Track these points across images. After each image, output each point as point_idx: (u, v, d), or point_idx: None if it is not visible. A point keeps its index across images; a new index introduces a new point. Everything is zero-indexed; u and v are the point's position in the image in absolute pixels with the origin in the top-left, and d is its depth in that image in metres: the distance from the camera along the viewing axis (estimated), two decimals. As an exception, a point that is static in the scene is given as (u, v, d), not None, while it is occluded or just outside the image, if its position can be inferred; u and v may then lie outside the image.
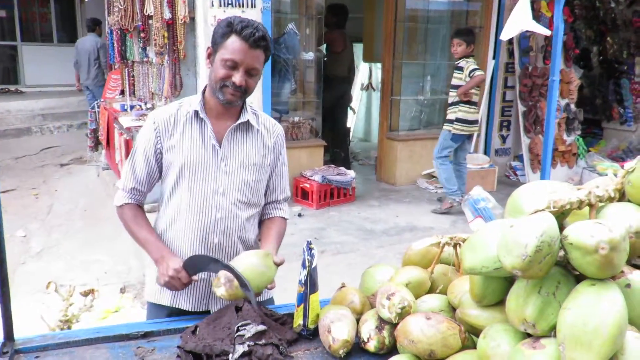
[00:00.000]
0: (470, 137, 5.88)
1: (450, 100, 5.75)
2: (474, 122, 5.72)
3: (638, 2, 7.71)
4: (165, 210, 1.89)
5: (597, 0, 8.02)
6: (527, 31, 5.15)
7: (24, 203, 6.02)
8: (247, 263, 1.65)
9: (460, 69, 5.58)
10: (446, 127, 5.74)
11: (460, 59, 5.61)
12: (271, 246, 1.85)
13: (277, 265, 1.72)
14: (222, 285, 1.60)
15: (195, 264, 1.71)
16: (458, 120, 5.62)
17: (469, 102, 5.59)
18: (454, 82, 5.67)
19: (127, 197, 1.87)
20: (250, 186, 1.88)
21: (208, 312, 1.88)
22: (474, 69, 5.49)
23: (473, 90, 5.57)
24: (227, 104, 1.80)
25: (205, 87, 1.87)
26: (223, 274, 1.61)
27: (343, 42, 7.32)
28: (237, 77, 1.73)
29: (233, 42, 1.72)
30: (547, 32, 5.27)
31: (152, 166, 1.85)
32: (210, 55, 1.80)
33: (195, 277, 1.72)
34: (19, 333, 1.51)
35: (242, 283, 1.57)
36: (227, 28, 1.73)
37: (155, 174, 1.87)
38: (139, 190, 1.87)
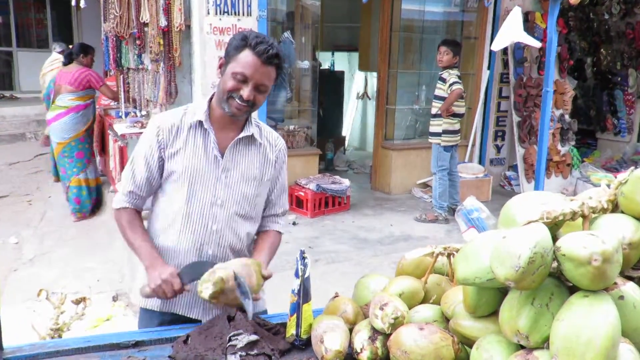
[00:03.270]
0: (456, 146, 5.96)
1: (433, 111, 5.84)
2: (458, 131, 5.86)
3: (631, 15, 7.79)
4: (160, 216, 1.88)
5: (591, 12, 8.09)
6: (520, 42, 5.20)
7: (16, 209, 5.99)
8: (240, 264, 1.64)
9: (444, 80, 5.66)
10: (435, 140, 5.83)
11: (445, 68, 5.66)
12: (262, 259, 1.84)
13: (265, 278, 1.70)
14: (209, 284, 1.54)
15: (191, 272, 1.67)
16: (445, 132, 5.74)
17: (451, 114, 5.72)
18: (437, 92, 5.78)
19: (125, 201, 1.86)
20: (249, 200, 1.87)
21: (199, 321, 1.86)
22: (454, 82, 5.57)
23: (454, 103, 5.66)
24: (232, 117, 1.80)
25: (213, 95, 1.86)
26: (218, 271, 1.56)
27: None
28: (246, 92, 1.72)
29: (246, 56, 1.71)
30: (538, 45, 5.31)
31: (153, 172, 1.84)
32: (222, 66, 1.79)
33: (187, 287, 1.69)
34: (9, 341, 1.48)
35: (243, 290, 1.54)
36: (242, 42, 1.73)
37: (156, 179, 1.86)
38: (137, 194, 1.86)
